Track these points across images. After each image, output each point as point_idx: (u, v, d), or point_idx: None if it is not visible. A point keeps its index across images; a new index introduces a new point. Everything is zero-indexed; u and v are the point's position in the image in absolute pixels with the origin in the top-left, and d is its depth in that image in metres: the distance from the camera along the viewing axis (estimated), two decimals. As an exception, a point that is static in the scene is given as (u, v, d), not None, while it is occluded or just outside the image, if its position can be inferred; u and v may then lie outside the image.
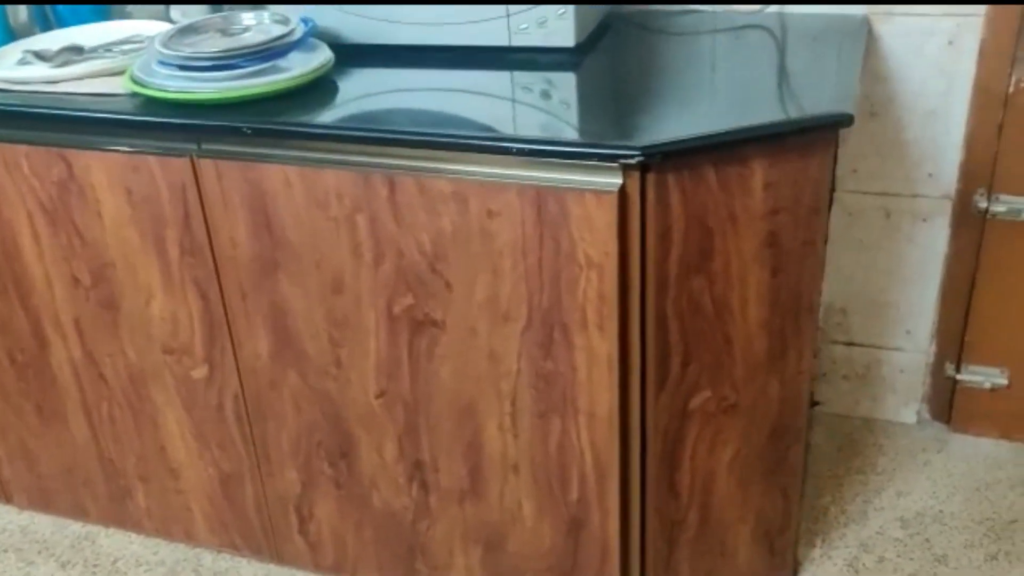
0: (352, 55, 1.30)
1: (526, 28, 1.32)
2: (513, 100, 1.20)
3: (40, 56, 1.34)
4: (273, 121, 1.14)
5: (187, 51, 1.21)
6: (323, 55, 1.25)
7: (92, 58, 1.35)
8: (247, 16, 1.31)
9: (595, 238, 1.07)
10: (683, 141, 1.03)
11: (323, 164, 1.14)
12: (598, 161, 1.03)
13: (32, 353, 1.46)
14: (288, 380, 1.31)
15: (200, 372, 1.36)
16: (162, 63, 1.23)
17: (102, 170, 1.25)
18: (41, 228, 1.33)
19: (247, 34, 1.27)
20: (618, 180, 1.05)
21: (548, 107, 1.17)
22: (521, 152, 1.04)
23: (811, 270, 1.18)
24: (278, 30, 1.26)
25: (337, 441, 1.34)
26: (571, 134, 1.07)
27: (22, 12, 1.48)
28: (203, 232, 1.24)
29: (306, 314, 1.25)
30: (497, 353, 1.18)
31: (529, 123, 1.13)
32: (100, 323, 1.38)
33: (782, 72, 1.26)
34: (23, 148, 1.27)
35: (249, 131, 1.14)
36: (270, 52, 1.22)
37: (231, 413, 1.38)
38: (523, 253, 1.11)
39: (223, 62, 1.20)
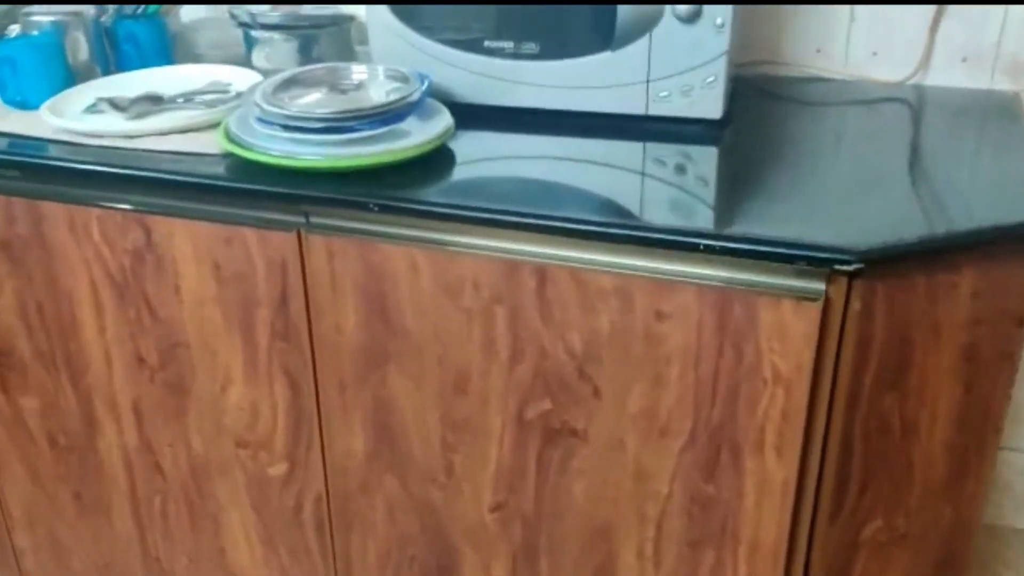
0: (465, 116, 1.14)
1: (667, 96, 1.17)
2: (671, 182, 1.05)
3: (114, 104, 1.18)
4: (402, 197, 0.98)
5: (294, 109, 1.05)
6: (444, 120, 1.10)
7: (172, 108, 1.19)
8: (358, 70, 1.15)
9: (787, 350, 0.92)
10: (902, 246, 0.88)
11: (460, 248, 0.98)
12: (806, 265, 0.88)
13: (78, 436, 1.28)
14: (384, 485, 1.14)
15: (278, 469, 1.19)
16: (262, 121, 1.06)
17: (187, 240, 1.08)
18: (106, 300, 1.15)
19: (361, 92, 1.11)
20: (822, 285, 0.90)
21: (718, 191, 1.03)
22: (711, 250, 0.89)
23: (1004, 386, 1.04)
24: (397, 89, 1.10)
25: (435, 557, 1.17)
26: (761, 228, 0.92)
27: (82, 51, 1.32)
28: (303, 316, 1.07)
29: (417, 413, 1.08)
30: (646, 471, 1.02)
31: (702, 211, 0.98)
32: (164, 408, 1.20)
33: (954, 158, 1.12)
34: (95, 211, 1.10)
35: (376, 208, 0.98)
36: (389, 115, 1.06)
37: (310, 517, 1.21)
38: (695, 361, 0.95)
39: (337, 124, 1.04)
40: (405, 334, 1.04)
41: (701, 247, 0.90)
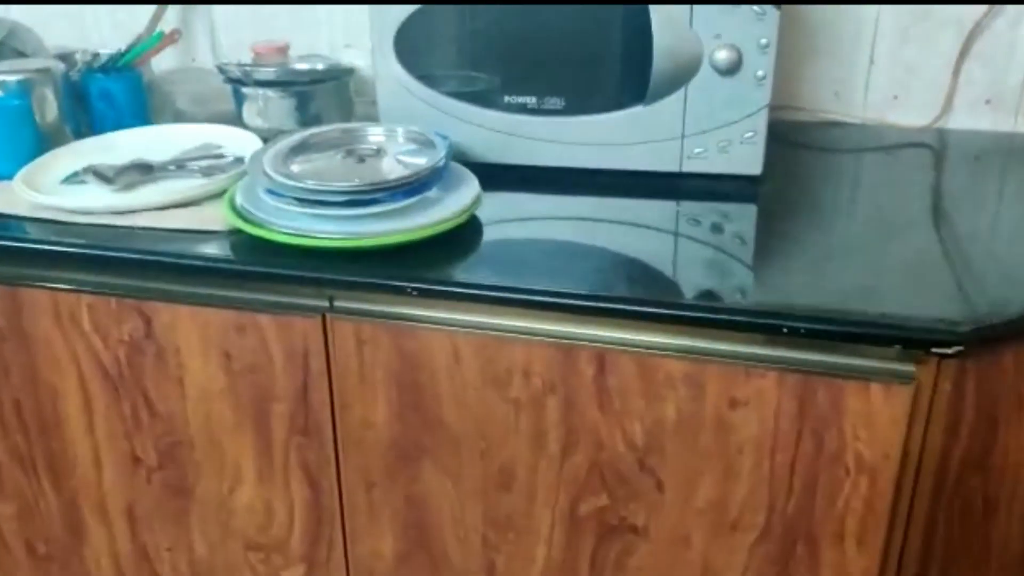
0: (484, 178, 1.04)
1: (702, 152, 1.10)
2: (726, 250, 0.97)
3: (98, 175, 1.06)
4: (444, 279, 0.89)
5: (310, 181, 0.94)
6: (471, 186, 1.01)
7: (165, 178, 1.08)
8: (374, 132, 1.05)
9: (874, 437, 0.85)
10: (1001, 324, 0.82)
11: (509, 334, 0.89)
12: (902, 347, 0.81)
13: (60, 543, 1.14)
14: (415, 587, 1.04)
15: (294, 573, 1.07)
16: (273, 193, 0.96)
17: (193, 329, 0.96)
18: (97, 396, 1.03)
19: (380, 158, 1.01)
20: (912, 367, 0.83)
21: (782, 261, 0.95)
22: (795, 332, 0.82)
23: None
24: (413, 150, 1.01)
25: (473, 662, 1.07)
26: (840, 304, 0.84)
27: (51, 111, 1.19)
28: (326, 409, 0.97)
29: (455, 511, 0.98)
30: (714, 568, 0.94)
31: (774, 285, 0.91)
32: (162, 511, 1.08)
33: (1006, 211, 1.07)
34: (85, 297, 0.98)
35: (415, 292, 0.88)
36: (416, 185, 0.96)
37: (330, 623, 1.09)
38: (771, 452, 0.87)
39: (360, 197, 0.94)
40: (443, 427, 0.94)
41: (784, 330, 0.82)
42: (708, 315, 0.83)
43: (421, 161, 0.99)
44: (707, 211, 1.05)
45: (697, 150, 1.10)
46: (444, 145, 1.00)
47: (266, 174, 0.97)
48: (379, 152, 1.02)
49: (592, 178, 1.12)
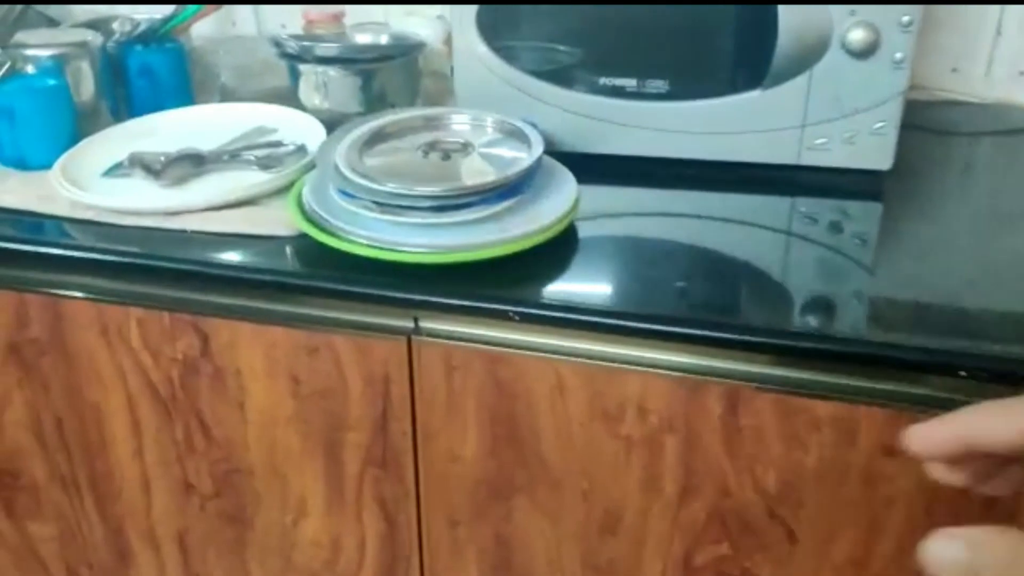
0: (576, 171, 0.91)
1: (824, 144, 0.97)
2: (868, 266, 0.84)
3: (145, 166, 0.93)
4: (550, 302, 0.77)
5: (391, 184, 0.82)
6: (569, 186, 0.88)
7: (218, 169, 0.95)
8: (459, 121, 0.92)
9: (1054, 493, 0.73)
10: None
11: (623, 365, 0.77)
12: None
13: (105, 569, 1.05)
14: (500, 631, 0.93)
15: (362, 609, 0.97)
16: (347, 195, 0.84)
17: (256, 349, 0.85)
18: (146, 417, 0.92)
19: (469, 154, 0.89)
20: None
21: (937, 274, 0.82)
22: (976, 375, 0.69)
23: None
24: (509, 147, 0.88)
25: None
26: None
27: (87, 88, 1.07)
28: (408, 439, 0.85)
29: (551, 553, 0.87)
30: (848, 626, 0.83)
31: (940, 309, 0.78)
32: (217, 541, 0.98)
33: None
34: (135, 311, 0.86)
35: (516, 316, 0.76)
36: (511, 187, 0.84)
37: (402, 663, 0.99)
38: (927, 505, 0.76)
39: (450, 202, 0.82)
40: (541, 464, 0.83)
41: (963, 372, 0.69)
42: (865, 350, 0.71)
43: (511, 156, 0.86)
44: (841, 211, 0.92)
45: (819, 141, 0.96)
46: (538, 138, 0.88)
47: (339, 171, 0.85)
48: (466, 147, 0.89)
49: (696, 171, 0.99)
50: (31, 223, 0.90)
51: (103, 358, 0.90)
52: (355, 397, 0.85)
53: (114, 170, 0.95)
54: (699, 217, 0.93)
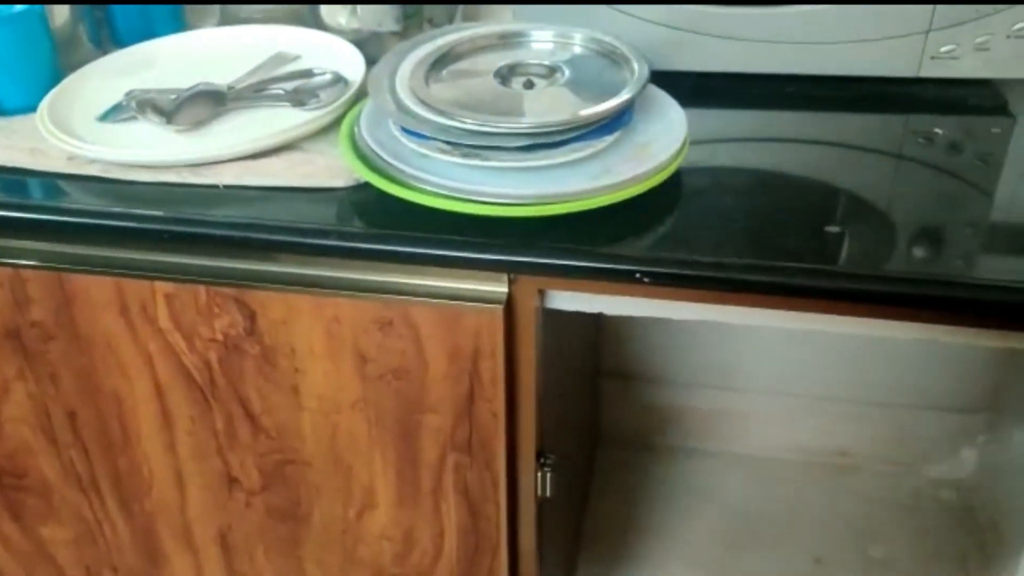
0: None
1: (952, 51, 0.83)
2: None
3: (155, 108, 0.77)
4: (685, 259, 0.63)
5: (469, 120, 0.67)
6: (674, 113, 0.74)
7: (240, 108, 0.79)
8: (541, 38, 0.77)
9: None
10: None
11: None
12: None
13: (133, 572, 0.91)
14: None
15: (437, 606, 0.86)
16: (412, 133, 0.69)
17: (315, 325, 0.71)
18: (178, 407, 0.78)
19: (558, 83, 0.73)
20: None
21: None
22: None
23: None
24: (609, 72, 0.74)
25: None
26: None
27: (61, 13, 0.89)
28: (499, 421, 0.73)
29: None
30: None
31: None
32: (266, 539, 0.85)
33: None
34: (162, 285, 0.71)
35: (646, 279, 0.63)
36: (619, 117, 0.70)
37: (481, 658, 0.88)
38: None
39: (545, 140, 0.67)
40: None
41: None
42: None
43: (607, 80, 0.72)
44: (976, 129, 0.80)
45: (945, 48, 0.83)
46: (641, 58, 0.73)
47: (402, 105, 0.70)
48: (552, 72, 0.74)
49: (795, 88, 0.85)
50: (21, 183, 0.74)
51: (124, 342, 0.75)
52: (436, 375, 0.71)
53: (113, 113, 0.79)
54: (817, 143, 0.80)
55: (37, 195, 0.72)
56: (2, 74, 0.81)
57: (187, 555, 0.88)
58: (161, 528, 0.87)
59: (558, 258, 0.64)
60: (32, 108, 0.79)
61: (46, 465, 0.85)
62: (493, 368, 0.70)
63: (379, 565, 0.84)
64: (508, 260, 0.65)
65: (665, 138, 0.71)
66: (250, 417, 0.77)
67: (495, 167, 0.67)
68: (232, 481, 0.82)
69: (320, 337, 0.71)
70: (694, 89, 0.82)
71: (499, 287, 0.68)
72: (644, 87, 0.71)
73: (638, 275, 0.63)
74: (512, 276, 0.67)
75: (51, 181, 0.73)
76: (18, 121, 0.80)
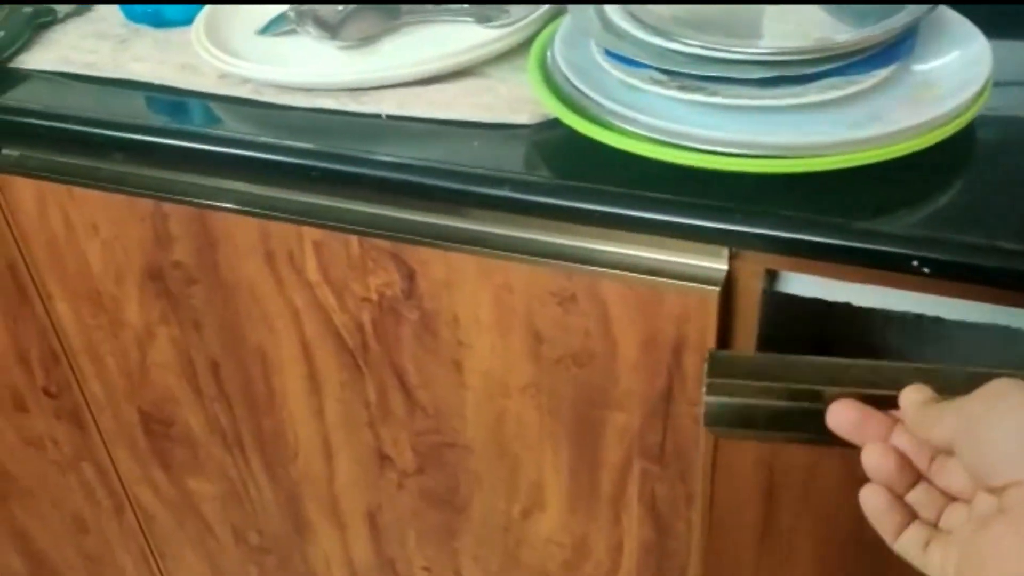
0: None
1: None
2: None
3: (317, 21, 0.66)
4: (985, 247, 0.46)
5: (694, 41, 0.51)
6: (970, 39, 0.55)
7: (416, 22, 0.67)
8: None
9: None
10: None
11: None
12: None
13: (278, 538, 0.84)
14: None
15: (610, 622, 0.73)
16: (621, 58, 0.54)
17: (484, 292, 0.58)
18: (327, 370, 0.68)
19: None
20: None
21: None
22: None
23: None
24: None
25: None
26: None
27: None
28: (700, 427, 0.58)
29: None
30: None
31: None
32: (419, 524, 0.75)
33: None
34: (311, 232, 0.61)
35: (927, 269, 0.46)
36: (897, 44, 0.52)
37: None
38: None
39: (792, 70, 0.51)
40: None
41: None
42: None
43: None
44: None
45: None
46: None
47: (607, 22, 0.55)
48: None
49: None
50: (168, 103, 0.65)
51: (269, 292, 0.65)
52: (626, 365, 0.57)
53: (275, 25, 0.68)
54: None
55: (180, 118, 0.63)
56: (163, -21, 0.72)
57: (334, 529, 0.80)
58: (307, 497, 0.78)
59: (800, 231, 0.48)
60: (191, 18, 0.70)
61: (191, 416, 0.77)
62: (700, 363, 0.55)
63: (545, 570, 0.72)
64: (732, 230, 0.49)
65: (957, 77, 0.53)
66: (405, 390, 0.66)
67: (724, 104, 0.51)
68: (384, 458, 0.71)
69: (488, 306, 0.59)
70: (1000, 12, 0.63)
71: (716, 263, 0.52)
72: (933, 7, 0.53)
73: (916, 263, 0.46)
74: (734, 250, 0.52)
75: (198, 102, 0.64)
76: (177, 34, 0.71)
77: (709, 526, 0.62)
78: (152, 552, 0.94)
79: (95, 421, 0.83)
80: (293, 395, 0.71)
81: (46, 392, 0.83)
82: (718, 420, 0.48)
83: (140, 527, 0.92)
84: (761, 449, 0.57)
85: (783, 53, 0.50)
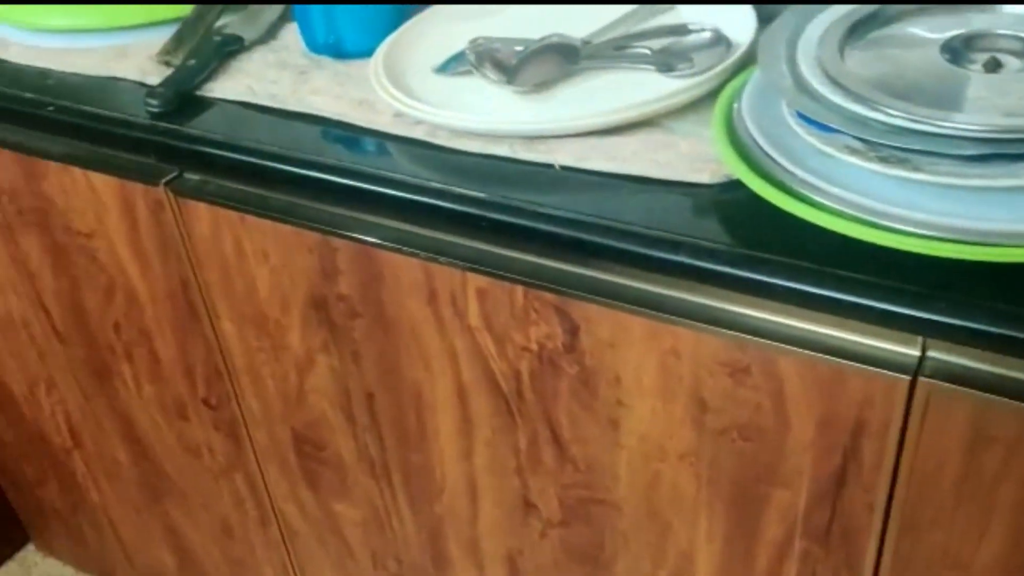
0: None
1: None
2: None
3: (494, 62, 0.65)
4: None
5: (898, 110, 0.48)
6: None
7: (594, 68, 0.65)
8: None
9: None
10: None
11: None
12: None
13: (417, 569, 0.84)
14: None
15: None
16: (814, 123, 0.51)
17: (649, 354, 0.56)
18: (481, 415, 0.67)
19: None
20: None
21: None
22: None
23: None
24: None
25: None
26: None
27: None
28: (875, 517, 0.54)
29: None
30: None
31: None
32: (559, 574, 0.73)
33: None
34: (476, 278, 0.60)
35: None
36: None
37: None
38: None
39: (1007, 148, 0.47)
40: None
41: None
42: None
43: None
44: None
45: None
46: None
47: (801, 81, 0.52)
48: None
49: None
50: (342, 138, 0.65)
51: (429, 333, 0.65)
52: (797, 444, 0.54)
53: (452, 64, 0.68)
54: None
55: (354, 155, 0.63)
56: (344, 12, 0.73)
57: (472, 568, 0.79)
58: (448, 534, 0.78)
59: (1008, 326, 0.44)
60: (371, 51, 0.70)
61: (342, 443, 0.78)
62: (880, 450, 0.51)
63: (687, 637, 0.69)
64: (928, 319, 0.46)
65: None
66: (558, 442, 0.64)
67: (928, 182, 0.48)
68: (529, 506, 0.70)
69: (652, 370, 0.56)
70: None
71: (907, 349, 0.49)
72: None
73: None
74: (927, 340, 0.48)
75: (372, 140, 0.64)
76: (356, 67, 0.72)
77: (873, 620, 0.58)
78: (293, 565, 0.96)
79: (249, 436, 0.85)
80: (445, 434, 0.71)
81: (206, 403, 0.86)
82: None
83: (283, 540, 0.94)
84: None
85: (1002, 130, 0.46)
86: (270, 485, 0.89)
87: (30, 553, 1.36)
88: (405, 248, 0.62)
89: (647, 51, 0.65)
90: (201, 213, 0.71)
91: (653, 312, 0.55)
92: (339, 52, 0.74)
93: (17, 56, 0.80)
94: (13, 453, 1.16)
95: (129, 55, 0.77)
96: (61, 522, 1.22)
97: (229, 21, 0.78)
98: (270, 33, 0.78)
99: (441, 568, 0.82)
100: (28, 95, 0.76)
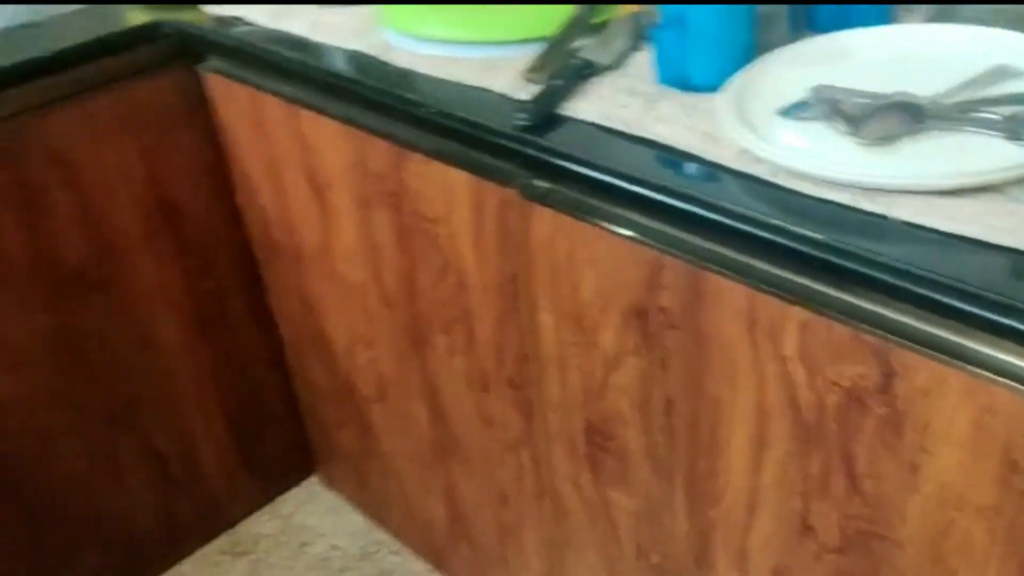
0: None
1: None
2: None
3: (839, 112, 0.70)
4: None
5: None
6: None
7: (940, 128, 0.68)
8: None
9: None
10: None
11: None
12: None
13: (679, 564, 0.90)
14: None
15: None
16: None
17: (964, 408, 0.59)
18: (776, 437, 0.72)
19: None
20: None
21: None
22: None
23: None
24: None
25: None
26: None
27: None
28: None
29: None
30: None
31: None
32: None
33: None
34: (798, 312, 0.65)
35: None
36: None
37: None
38: None
39: None
40: None
41: None
42: None
43: None
44: None
45: None
46: None
47: None
48: None
49: None
50: (685, 167, 0.72)
51: (742, 355, 0.70)
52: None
53: (796, 109, 0.73)
54: None
55: (697, 184, 0.70)
56: (696, 47, 0.80)
57: (735, 574, 0.84)
58: (718, 539, 0.83)
59: None
60: (716, 86, 0.76)
61: (632, 438, 0.86)
62: None
63: None
64: None
65: None
66: (850, 475, 0.68)
67: None
68: (807, 528, 0.74)
69: (964, 424, 0.59)
70: None
71: None
72: None
73: None
74: None
75: (715, 172, 0.70)
76: (703, 100, 0.78)
77: None
78: (556, 541, 1.05)
79: (544, 418, 0.94)
80: (737, 447, 0.76)
81: (510, 383, 0.96)
82: None
83: (554, 517, 1.02)
84: None
85: None
86: (553, 464, 0.97)
87: (315, 484, 1.54)
88: (732, 274, 0.68)
89: (996, 117, 0.67)
90: (544, 217, 0.80)
91: (974, 369, 0.58)
92: (686, 85, 0.80)
93: (399, 59, 0.93)
94: (322, 395, 1.33)
95: (497, 68, 0.87)
96: (351, 464, 1.38)
97: (584, 45, 0.87)
98: (620, 60, 0.86)
99: (703, 569, 0.87)
100: (408, 95, 0.88)
